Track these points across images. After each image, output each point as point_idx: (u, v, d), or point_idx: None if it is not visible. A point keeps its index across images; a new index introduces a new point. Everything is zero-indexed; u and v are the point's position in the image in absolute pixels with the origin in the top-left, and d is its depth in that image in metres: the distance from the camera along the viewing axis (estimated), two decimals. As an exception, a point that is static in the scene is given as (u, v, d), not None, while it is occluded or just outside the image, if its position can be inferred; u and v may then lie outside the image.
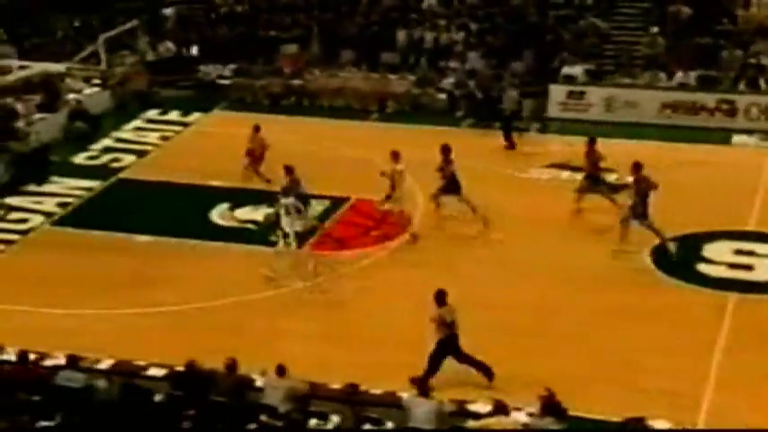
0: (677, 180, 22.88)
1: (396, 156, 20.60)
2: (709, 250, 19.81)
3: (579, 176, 23.22)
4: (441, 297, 15.54)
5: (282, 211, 19.20)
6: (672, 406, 14.76)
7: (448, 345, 15.46)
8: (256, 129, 23.12)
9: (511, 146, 25.35)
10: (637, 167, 19.63)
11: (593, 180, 21.35)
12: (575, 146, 24.61)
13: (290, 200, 19.27)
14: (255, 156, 22.83)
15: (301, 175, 21.71)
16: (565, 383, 14.15)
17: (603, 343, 16.78)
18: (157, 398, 14.23)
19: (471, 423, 13.78)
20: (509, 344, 16.62)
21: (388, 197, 20.63)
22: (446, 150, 20.83)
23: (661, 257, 19.52)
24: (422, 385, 14.29)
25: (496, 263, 19.50)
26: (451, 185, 20.73)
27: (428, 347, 16.35)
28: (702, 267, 19.37)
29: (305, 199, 19.90)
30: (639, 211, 19.45)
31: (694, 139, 25.62)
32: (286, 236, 19.17)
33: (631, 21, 29.95)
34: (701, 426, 14.65)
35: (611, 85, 27.90)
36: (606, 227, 20.65)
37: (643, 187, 19.42)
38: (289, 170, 20.22)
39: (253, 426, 13.59)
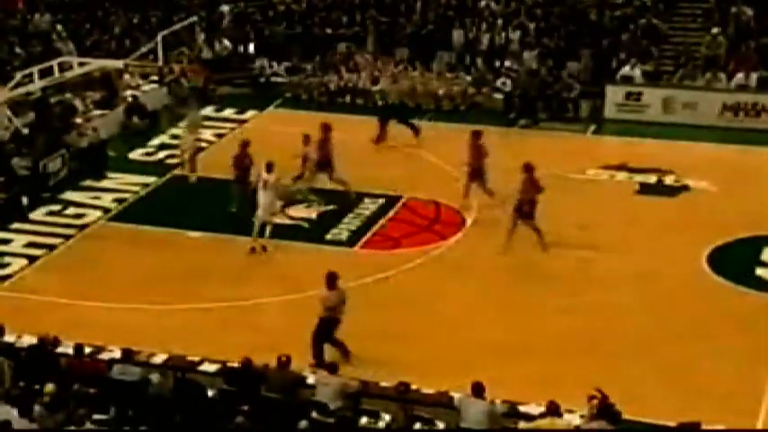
0: (734, 183, 22.62)
1: (307, 139, 21.71)
2: (768, 254, 19.57)
3: (636, 177, 23.13)
4: (330, 280, 16.03)
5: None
6: (729, 411, 14.56)
7: (326, 325, 15.85)
8: None
9: (380, 139, 25.27)
10: (528, 168, 19.64)
11: (475, 173, 21.31)
12: (632, 147, 24.54)
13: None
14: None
15: (356, 173, 21.86)
16: (620, 386, 14.04)
17: (660, 346, 16.59)
18: (210, 393, 14.29)
19: (522, 424, 13.69)
20: (564, 346, 16.53)
21: (299, 177, 21.91)
22: (326, 129, 21.80)
23: (718, 261, 19.27)
24: (320, 364, 15.27)
25: (551, 264, 19.35)
26: (324, 163, 21.57)
27: (482, 347, 16.37)
28: (761, 272, 19.09)
29: None
30: (526, 211, 19.46)
31: (755, 141, 25.26)
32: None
33: (691, 21, 29.58)
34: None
35: (669, 87, 27.58)
36: (666, 230, 20.47)
37: (531, 189, 19.50)
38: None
39: (304, 423, 13.59)
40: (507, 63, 28.90)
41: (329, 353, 15.85)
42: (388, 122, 25.33)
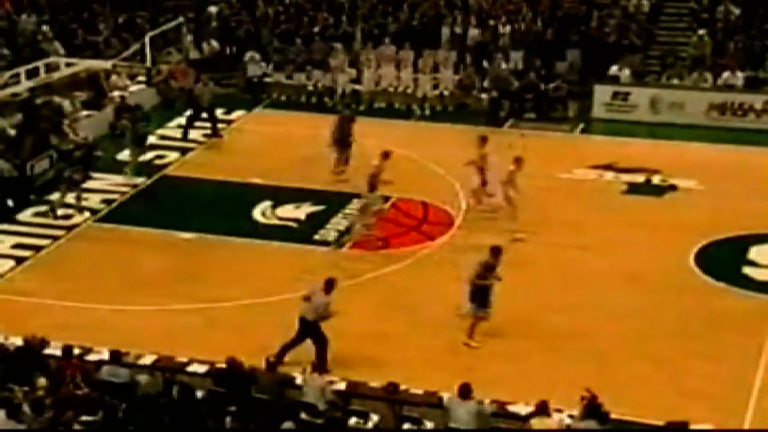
0: (721, 182, 22.69)
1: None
2: (756, 253, 19.61)
3: (624, 177, 23.21)
4: (329, 285, 16.03)
5: None
6: (716, 410, 14.62)
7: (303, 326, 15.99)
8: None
9: (184, 137, 25.97)
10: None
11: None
12: (620, 146, 24.59)
13: None
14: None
15: (344, 174, 21.82)
16: (608, 385, 14.08)
17: (647, 345, 16.64)
18: (199, 394, 14.27)
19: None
20: (553, 345, 16.57)
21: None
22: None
23: (706, 260, 19.34)
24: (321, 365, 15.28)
25: (540, 264, 19.39)
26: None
27: (473, 347, 16.38)
28: (748, 270, 19.17)
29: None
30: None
31: (741, 140, 25.35)
32: None
33: (678, 21, 29.65)
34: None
35: (656, 86, 27.65)
36: (654, 229, 20.52)
37: None
38: None
39: (293, 423, 13.58)
40: (495, 62, 28.85)
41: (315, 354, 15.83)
42: (191, 124, 26.17)
